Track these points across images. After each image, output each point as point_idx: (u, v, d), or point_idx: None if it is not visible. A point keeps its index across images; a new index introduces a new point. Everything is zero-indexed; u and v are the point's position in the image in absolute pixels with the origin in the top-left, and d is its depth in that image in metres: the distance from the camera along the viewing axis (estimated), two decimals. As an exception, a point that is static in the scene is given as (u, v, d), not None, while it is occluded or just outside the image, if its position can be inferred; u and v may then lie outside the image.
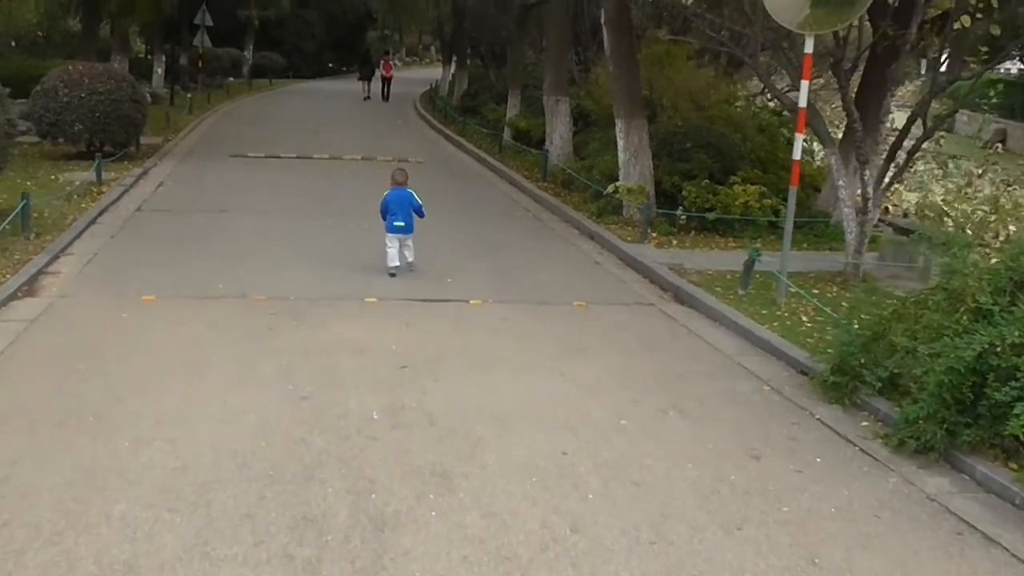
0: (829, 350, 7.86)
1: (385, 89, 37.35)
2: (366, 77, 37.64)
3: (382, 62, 38.31)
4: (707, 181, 13.46)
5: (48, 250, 9.87)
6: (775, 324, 8.64)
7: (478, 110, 26.47)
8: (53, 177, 14.79)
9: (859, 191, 10.88)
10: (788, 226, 9.49)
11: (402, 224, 9.98)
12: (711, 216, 12.92)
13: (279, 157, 18.30)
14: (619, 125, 13.48)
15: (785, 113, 18.91)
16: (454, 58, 37.40)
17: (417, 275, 9.88)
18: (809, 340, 8.22)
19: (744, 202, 12.99)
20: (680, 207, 13.06)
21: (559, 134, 17.79)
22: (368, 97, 36.96)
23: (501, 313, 8.73)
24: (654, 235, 12.48)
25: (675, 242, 12.39)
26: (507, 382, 6.88)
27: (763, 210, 13.06)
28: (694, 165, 13.79)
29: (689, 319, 8.95)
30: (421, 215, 10.28)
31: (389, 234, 9.99)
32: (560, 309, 9.01)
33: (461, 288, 9.51)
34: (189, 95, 31.02)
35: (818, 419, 6.67)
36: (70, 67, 16.75)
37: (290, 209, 13.20)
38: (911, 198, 18.12)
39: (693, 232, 13.01)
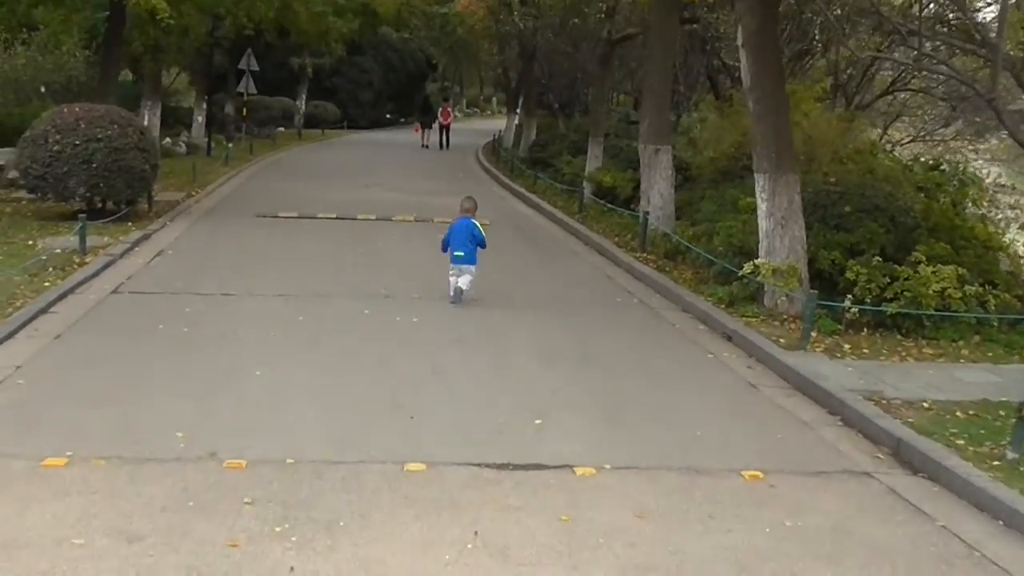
0: None
1: (443, 138, 35.24)
2: (426, 125, 35.55)
3: (440, 109, 35.93)
4: (878, 259, 9.91)
5: (-56, 363, 6.64)
6: (1107, 529, 4.98)
7: (549, 162, 23.23)
8: (31, 243, 11.73)
9: None
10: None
11: (461, 254, 9.73)
12: (890, 309, 9.32)
13: (315, 218, 15.08)
14: (761, 182, 9.99)
15: (943, 168, 15.28)
16: (519, 106, 34.50)
17: (492, 412, 6.42)
18: None
19: (941, 290, 9.37)
20: (849, 296, 9.48)
21: (659, 191, 14.33)
22: (426, 145, 34.83)
23: (631, 496, 5.20)
24: (813, 334, 8.91)
25: (847, 346, 8.78)
26: None
27: (966, 301, 9.43)
28: (859, 236, 10.23)
29: (949, 512, 5.26)
30: (483, 246, 9.94)
31: (451, 264, 9.82)
32: (725, 485, 5.45)
33: (557, 437, 6.03)
34: (230, 145, 28.36)
35: None
36: (65, 109, 13.79)
37: (316, 292, 9.87)
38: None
39: (865, 330, 9.41)
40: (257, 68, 29.37)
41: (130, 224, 13.32)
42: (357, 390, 6.73)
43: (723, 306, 10.08)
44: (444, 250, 9.94)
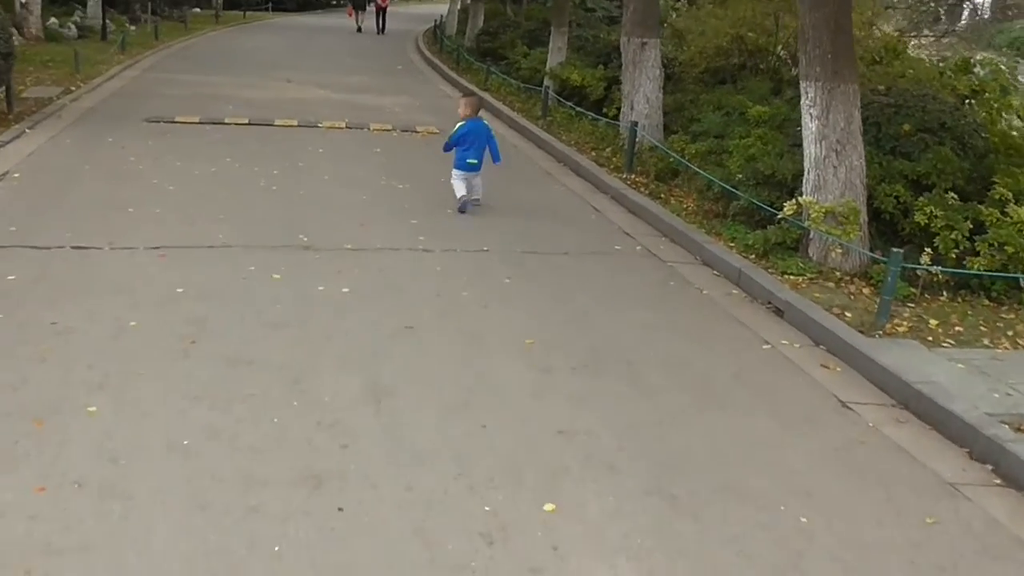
0: None
1: (380, 21, 32.58)
2: (359, 7, 32.87)
3: None
4: (953, 195, 7.55)
5: None
6: None
7: (501, 54, 20.30)
8: None
9: None
10: None
11: (475, 161, 8.67)
12: (975, 264, 7.02)
13: (222, 124, 12.15)
14: (810, 93, 7.43)
15: (978, 70, 12.84)
16: (463, -12, 31.23)
17: (470, 486, 3.92)
18: None
19: (1043, 240, 7.07)
20: (926, 250, 7.09)
21: (644, 95, 11.72)
22: (360, 29, 32.08)
23: None
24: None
25: (932, 322, 6.47)
26: None
27: (1074, 255, 7.16)
28: (928, 166, 7.83)
29: None
30: (496, 158, 8.86)
31: (457, 171, 8.63)
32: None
33: (588, 543, 3.59)
34: (132, 28, 24.74)
35: None
36: None
37: (208, 241, 7.16)
38: None
39: (945, 293, 7.09)
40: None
41: (-24, 132, 10.34)
42: (252, 445, 4.17)
43: (752, 257, 7.66)
44: (447, 149, 8.84)
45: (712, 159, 9.88)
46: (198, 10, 34.72)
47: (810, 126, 7.45)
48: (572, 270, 7.14)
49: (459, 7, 30.74)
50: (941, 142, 8.02)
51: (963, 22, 23.57)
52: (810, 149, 7.48)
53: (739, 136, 9.80)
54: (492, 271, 6.91)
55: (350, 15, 33.46)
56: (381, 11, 32.53)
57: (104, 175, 9.01)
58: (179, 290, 6.02)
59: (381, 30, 32.21)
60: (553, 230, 8.27)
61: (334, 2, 50.22)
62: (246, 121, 12.31)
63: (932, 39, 20.89)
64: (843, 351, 5.82)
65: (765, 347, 5.91)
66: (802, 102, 7.56)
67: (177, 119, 12.12)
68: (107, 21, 23.15)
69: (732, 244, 8.03)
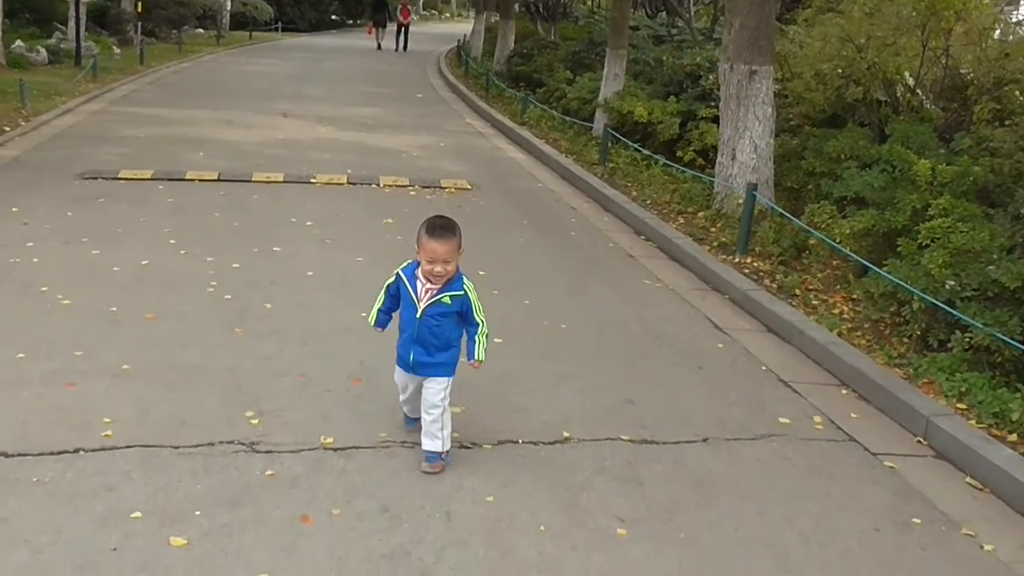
0: None
1: (401, 38, 31.06)
2: (379, 24, 31.81)
3: (399, 7, 31.64)
4: None
5: None
6: None
7: (537, 79, 17.26)
8: None
9: None
10: None
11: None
12: None
13: (181, 179, 9.09)
14: None
15: None
16: (487, 6, 28.35)
17: None
18: None
19: None
20: None
21: (751, 140, 8.59)
22: (380, 47, 30.81)
23: None
24: None
25: None
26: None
27: None
28: None
29: None
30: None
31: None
32: None
33: None
34: (118, 52, 21.92)
35: None
36: None
37: (74, 429, 4.05)
38: None
39: None
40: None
41: None
42: None
43: (1014, 438, 4.49)
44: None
45: (872, 242, 6.77)
46: (201, 31, 31.97)
47: None
48: (729, 489, 3.94)
49: (484, 26, 27.83)
50: None
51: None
52: None
53: (910, 205, 6.71)
54: (588, 501, 3.74)
55: (369, 33, 32.38)
56: (403, 27, 31.17)
57: (-30, 277, 5.93)
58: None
59: (403, 48, 30.74)
60: (667, 382, 5.08)
61: (349, 21, 47.58)
62: (215, 176, 9.24)
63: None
64: None
65: None
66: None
67: (122, 175, 9.05)
68: (88, 44, 20.28)
69: (963, 406, 4.86)
